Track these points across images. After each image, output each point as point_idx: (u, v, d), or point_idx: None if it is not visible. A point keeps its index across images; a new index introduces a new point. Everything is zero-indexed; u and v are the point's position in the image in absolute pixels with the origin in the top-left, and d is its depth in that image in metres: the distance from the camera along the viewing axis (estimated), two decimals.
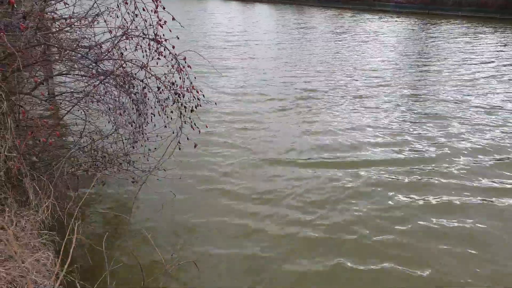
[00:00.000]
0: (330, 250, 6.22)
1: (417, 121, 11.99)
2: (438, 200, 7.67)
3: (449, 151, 9.82)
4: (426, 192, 7.94)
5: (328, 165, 9.14)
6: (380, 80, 16.81)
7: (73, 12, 6.19)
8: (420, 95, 14.76)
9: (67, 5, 6.04)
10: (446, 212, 7.26)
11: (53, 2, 6.19)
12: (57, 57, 6.54)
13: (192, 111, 5.66)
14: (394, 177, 8.50)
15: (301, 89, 15.41)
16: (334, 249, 6.26)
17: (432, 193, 7.89)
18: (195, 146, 6.20)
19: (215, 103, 7.87)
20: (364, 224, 6.84)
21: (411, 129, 11.26)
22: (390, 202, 7.59)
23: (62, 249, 3.63)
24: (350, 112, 12.81)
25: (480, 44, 28.17)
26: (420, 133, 10.98)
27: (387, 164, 9.12)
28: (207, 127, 6.89)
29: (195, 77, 5.86)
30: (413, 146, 10.15)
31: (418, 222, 6.95)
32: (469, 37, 31.73)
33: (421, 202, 7.59)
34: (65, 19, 6.36)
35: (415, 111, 12.84)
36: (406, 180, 8.39)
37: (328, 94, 14.79)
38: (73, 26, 6.32)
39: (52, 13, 6.37)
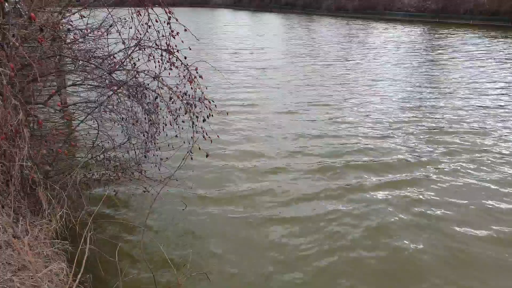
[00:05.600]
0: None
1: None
2: None
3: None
4: None
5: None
6: (399, 113, 13.96)
7: (87, 23, 6.29)
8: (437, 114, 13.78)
9: (82, 17, 6.13)
10: None
11: (68, 14, 6.30)
12: (71, 68, 6.66)
13: (204, 121, 5.67)
14: None
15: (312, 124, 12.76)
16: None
17: None
18: (206, 156, 6.20)
19: (227, 113, 7.88)
20: None
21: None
22: None
23: (75, 259, 3.64)
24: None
25: (491, 54, 27.98)
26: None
27: None
28: (218, 137, 6.89)
29: (206, 88, 5.89)
30: None
31: None
32: (481, 46, 31.54)
33: None
34: (80, 30, 6.47)
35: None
36: None
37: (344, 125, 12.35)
38: (86, 37, 6.43)
39: (67, 24, 6.48)
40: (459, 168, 9.39)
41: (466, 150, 10.50)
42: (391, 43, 34.60)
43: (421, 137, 11.39)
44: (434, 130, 12.02)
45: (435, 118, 13.25)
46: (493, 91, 17.30)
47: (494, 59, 25.32)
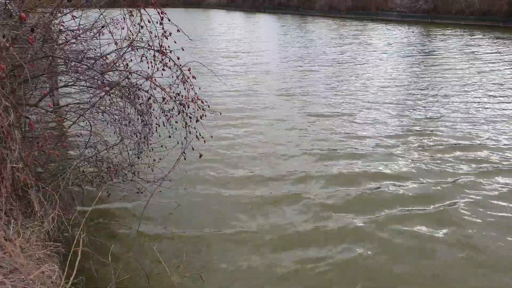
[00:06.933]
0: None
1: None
2: None
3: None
4: None
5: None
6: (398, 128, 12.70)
7: (79, 24, 6.26)
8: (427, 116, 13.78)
9: (74, 18, 6.11)
10: None
11: (59, 14, 6.26)
12: (63, 69, 6.61)
13: (197, 121, 5.67)
14: None
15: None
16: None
17: None
18: (200, 156, 6.20)
19: (220, 113, 7.89)
20: None
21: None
22: None
23: (68, 261, 3.62)
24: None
25: (483, 53, 28.22)
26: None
27: None
28: (212, 137, 6.89)
29: (199, 88, 5.89)
30: None
31: None
32: (472, 47, 31.74)
33: None
34: (72, 31, 6.44)
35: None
36: None
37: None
38: (78, 38, 6.40)
39: (59, 25, 6.44)
40: (475, 185, 8.58)
41: (479, 166, 9.60)
42: (392, 45, 34.07)
43: (434, 153, 10.40)
44: (442, 142, 11.21)
45: (442, 128, 12.47)
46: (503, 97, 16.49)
47: (498, 60, 25.20)
